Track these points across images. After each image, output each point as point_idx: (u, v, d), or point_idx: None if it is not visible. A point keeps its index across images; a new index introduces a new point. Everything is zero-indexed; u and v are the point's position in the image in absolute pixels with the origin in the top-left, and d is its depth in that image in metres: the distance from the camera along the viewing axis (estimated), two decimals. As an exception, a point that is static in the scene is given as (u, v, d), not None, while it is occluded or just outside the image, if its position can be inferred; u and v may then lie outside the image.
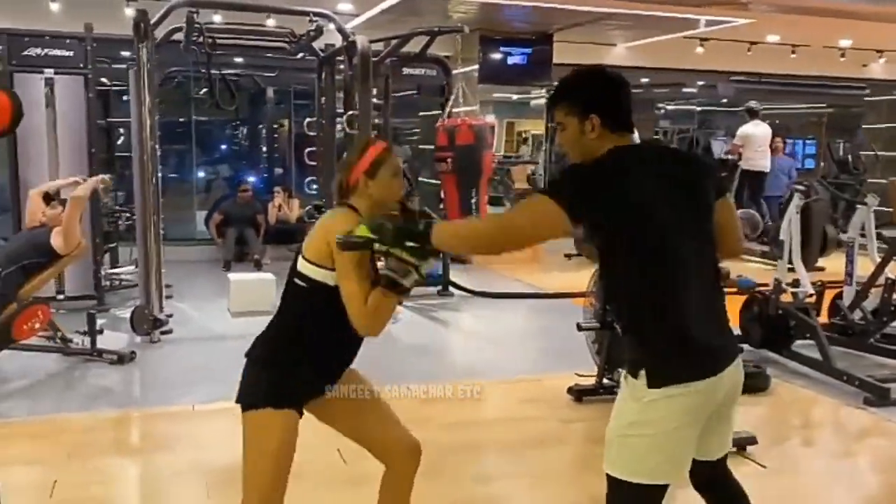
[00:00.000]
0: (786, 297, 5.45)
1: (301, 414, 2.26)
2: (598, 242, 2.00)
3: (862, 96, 13.56)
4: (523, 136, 18.10)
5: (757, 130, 9.92)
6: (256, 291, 6.45)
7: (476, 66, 9.34)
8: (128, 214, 7.05)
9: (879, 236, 6.10)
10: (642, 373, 1.92)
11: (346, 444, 2.51)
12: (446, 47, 7.99)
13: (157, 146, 6.01)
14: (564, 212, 1.86)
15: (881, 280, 5.51)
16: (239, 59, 10.26)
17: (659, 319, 1.94)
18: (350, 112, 6.26)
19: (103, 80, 6.87)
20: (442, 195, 7.65)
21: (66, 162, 6.47)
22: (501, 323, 6.83)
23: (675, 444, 1.95)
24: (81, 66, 6.52)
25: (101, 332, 5.70)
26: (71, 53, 6.50)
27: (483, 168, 6.76)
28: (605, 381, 4.59)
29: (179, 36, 6.50)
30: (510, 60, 9.56)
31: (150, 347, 5.61)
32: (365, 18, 8.59)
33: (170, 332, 5.92)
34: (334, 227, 2.15)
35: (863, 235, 5.80)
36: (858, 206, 5.91)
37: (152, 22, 5.92)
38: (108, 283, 7.01)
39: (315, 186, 8.98)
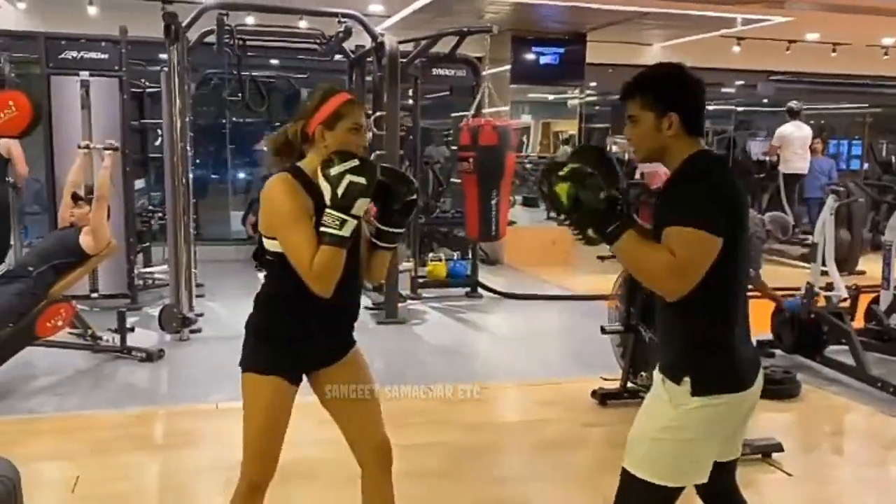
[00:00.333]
0: (819, 302, 5.33)
1: (292, 380, 2.26)
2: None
3: (906, 96, 13.23)
4: (561, 136, 17.96)
5: (796, 131, 9.71)
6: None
7: (508, 67, 9.30)
8: (160, 214, 7.15)
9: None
10: (686, 380, 1.95)
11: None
12: (479, 48, 7.95)
13: (187, 147, 6.09)
14: (719, 236, 1.87)
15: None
16: (274, 62, 10.38)
17: (719, 330, 1.97)
18: (378, 113, 6.26)
19: (137, 81, 6.96)
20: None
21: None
22: (529, 325, 6.78)
23: (703, 451, 1.99)
24: (116, 68, 6.62)
25: (132, 329, 5.80)
26: (106, 56, 6.61)
27: (505, 169, 6.72)
28: (629, 385, 4.53)
29: (213, 38, 6.60)
30: (542, 60, 9.49)
31: (179, 345, 5.68)
32: (396, 20, 8.61)
33: (199, 330, 5.99)
34: (270, 193, 2.14)
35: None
36: (898, 207, 5.76)
37: (184, 24, 6.00)
38: (140, 281, 7.12)
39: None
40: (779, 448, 3.75)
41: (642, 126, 2.01)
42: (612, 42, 9.58)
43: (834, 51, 10.56)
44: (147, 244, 7.62)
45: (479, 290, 7.62)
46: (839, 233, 5.83)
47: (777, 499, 3.49)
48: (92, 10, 7.90)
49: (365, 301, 7.02)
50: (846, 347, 5.08)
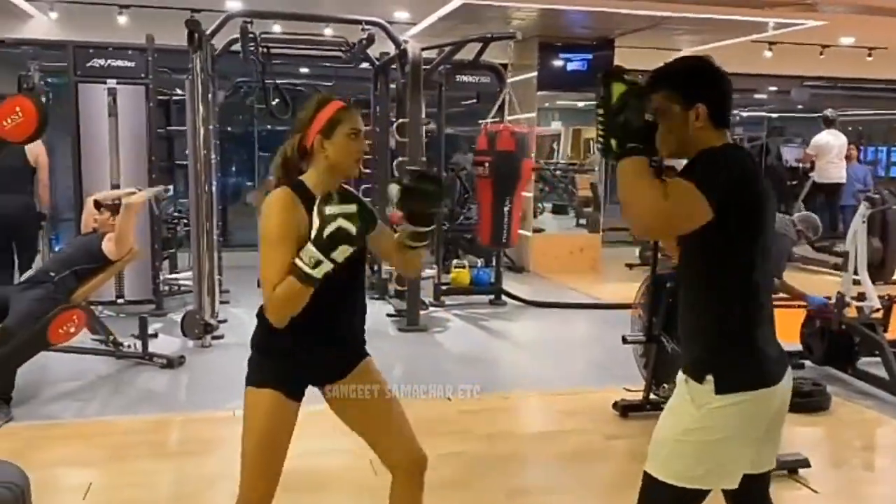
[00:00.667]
0: (851, 312, 5.18)
1: (291, 395, 2.21)
2: (697, 239, 1.90)
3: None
4: (592, 144, 17.83)
5: (832, 140, 9.51)
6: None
7: (534, 73, 9.23)
8: (186, 221, 7.19)
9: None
10: (709, 377, 1.90)
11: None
12: (505, 55, 7.89)
13: (211, 154, 6.12)
14: (707, 200, 1.82)
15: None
16: (303, 70, 10.42)
17: (741, 325, 1.93)
18: (400, 120, 6.24)
19: (164, 89, 7.02)
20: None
21: (127, 169, 6.66)
22: (552, 333, 6.69)
23: (729, 452, 1.93)
24: (143, 76, 6.68)
25: (155, 335, 5.86)
26: (133, 64, 6.68)
27: (520, 176, 6.66)
28: (652, 396, 4.43)
29: (239, 46, 6.63)
30: (570, 67, 9.40)
31: (201, 352, 5.69)
32: (423, 27, 8.60)
33: (221, 336, 6.00)
34: (266, 205, 2.11)
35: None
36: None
37: (208, 32, 6.03)
38: (166, 288, 7.16)
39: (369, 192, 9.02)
40: (805, 464, 3.63)
41: (669, 118, 1.94)
42: (641, 48, 9.45)
43: (870, 55, 10.33)
44: (173, 250, 7.67)
45: (503, 297, 7.55)
46: (872, 241, 5.65)
47: (802, 516, 3.38)
48: (122, 19, 8.00)
49: (387, 308, 6.99)
50: (879, 359, 4.92)
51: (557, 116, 11.95)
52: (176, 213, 7.71)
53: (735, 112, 14.05)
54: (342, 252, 2.00)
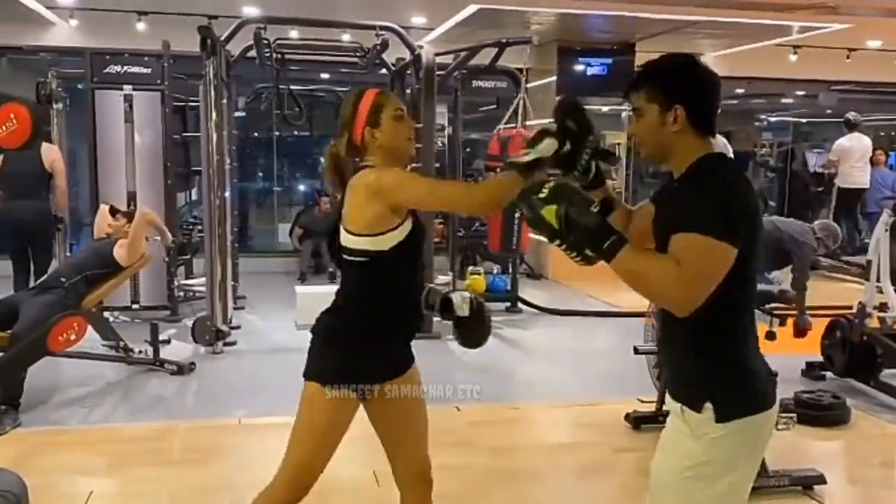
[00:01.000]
0: (874, 322, 5.04)
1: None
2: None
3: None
4: (617, 148, 17.69)
5: (854, 143, 9.32)
6: (323, 304, 6.43)
7: (553, 78, 9.15)
8: (201, 227, 7.20)
9: None
10: (708, 406, 1.76)
11: (383, 467, 2.44)
12: (525, 59, 7.82)
13: (225, 160, 6.12)
14: (735, 250, 1.71)
15: None
16: (325, 76, 10.44)
17: (736, 347, 1.81)
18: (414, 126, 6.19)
19: (180, 95, 7.04)
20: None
21: (143, 175, 6.69)
22: (568, 342, 6.59)
23: (739, 482, 1.81)
24: (158, 82, 6.71)
25: (168, 342, 5.85)
26: (149, 70, 6.71)
27: (532, 182, 6.56)
28: (664, 408, 4.32)
29: (255, 52, 6.64)
30: (590, 71, 9.31)
31: (212, 358, 5.67)
32: (440, 33, 8.54)
33: (234, 343, 5.98)
34: (365, 182, 2.07)
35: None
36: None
37: (223, 38, 6.04)
38: (181, 294, 7.18)
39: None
40: (821, 480, 3.51)
41: (646, 120, 1.84)
42: (662, 52, 9.30)
43: (899, 58, 10.11)
44: (188, 256, 7.68)
45: (520, 304, 7.47)
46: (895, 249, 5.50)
47: (816, 535, 3.27)
48: (140, 26, 8.05)
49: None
50: (903, 372, 4.79)
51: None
52: (191, 219, 7.73)
53: (765, 117, 13.89)
54: (548, 146, 1.97)
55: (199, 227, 7.29)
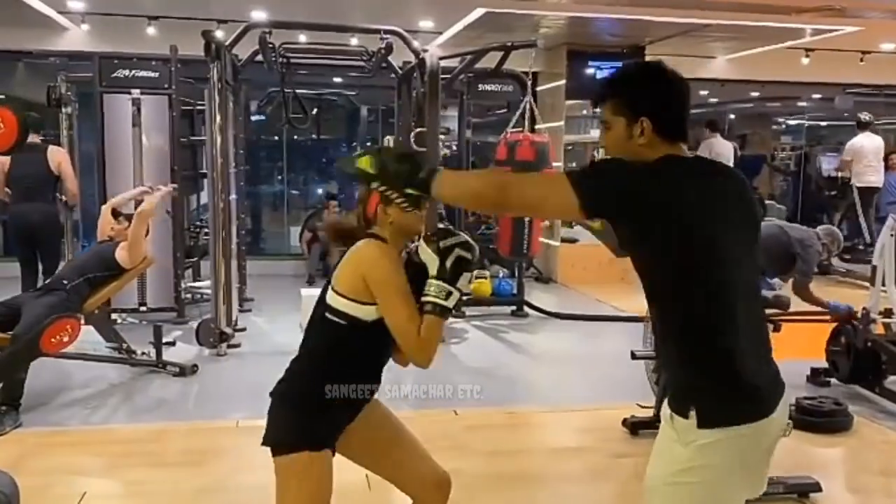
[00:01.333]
0: (878, 329, 4.98)
1: (334, 452, 2.18)
2: (635, 259, 1.82)
3: None
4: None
5: (866, 142, 9.24)
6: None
7: (563, 82, 9.12)
8: (207, 230, 7.24)
9: None
10: (692, 412, 1.74)
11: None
12: (535, 63, 7.80)
13: (230, 163, 6.15)
14: (578, 200, 1.73)
15: None
16: (336, 79, 10.48)
17: (719, 354, 1.75)
18: (418, 129, 6.20)
19: (188, 99, 7.09)
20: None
21: (150, 178, 6.71)
22: (573, 346, 6.56)
23: (724, 491, 1.77)
24: (166, 86, 6.76)
25: (173, 344, 5.87)
26: (157, 74, 6.76)
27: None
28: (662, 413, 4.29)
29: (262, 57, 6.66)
30: (600, 75, 9.26)
31: (215, 361, 5.70)
32: (448, 36, 8.55)
33: (238, 345, 6.01)
34: (367, 256, 2.10)
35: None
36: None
37: (228, 42, 6.07)
38: (188, 296, 7.22)
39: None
40: (816, 488, 3.47)
41: (614, 133, 1.83)
42: (673, 55, 9.27)
43: (913, 61, 10.01)
44: (196, 259, 7.73)
45: (525, 308, 7.45)
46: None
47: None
48: (150, 30, 8.12)
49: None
50: (908, 379, 4.72)
51: (595, 125, 11.80)
52: (199, 222, 7.78)
53: (783, 120, 13.76)
54: (461, 279, 2.12)
55: (206, 230, 7.32)
